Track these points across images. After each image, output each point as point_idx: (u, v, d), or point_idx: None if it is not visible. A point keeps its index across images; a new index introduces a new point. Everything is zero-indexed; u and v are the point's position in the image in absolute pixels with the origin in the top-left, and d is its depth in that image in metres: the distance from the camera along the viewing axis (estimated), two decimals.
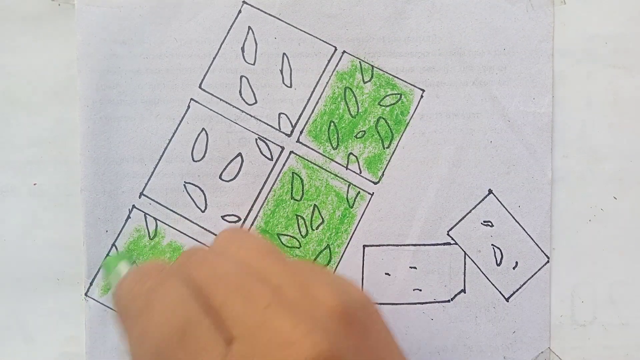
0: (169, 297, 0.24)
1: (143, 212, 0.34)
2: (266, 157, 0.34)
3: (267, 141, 0.34)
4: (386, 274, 0.34)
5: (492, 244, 0.35)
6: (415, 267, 0.35)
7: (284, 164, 0.34)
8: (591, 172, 0.34)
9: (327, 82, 0.34)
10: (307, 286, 0.25)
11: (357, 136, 0.34)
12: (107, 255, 0.34)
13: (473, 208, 0.34)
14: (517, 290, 0.34)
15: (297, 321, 0.23)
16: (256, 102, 0.34)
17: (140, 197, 0.34)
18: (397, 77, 0.34)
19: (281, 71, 0.34)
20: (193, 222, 0.34)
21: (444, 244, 0.35)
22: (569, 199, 0.34)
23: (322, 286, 0.25)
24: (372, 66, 0.34)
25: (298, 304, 0.24)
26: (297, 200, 0.34)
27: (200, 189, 0.34)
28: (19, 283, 0.35)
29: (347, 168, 0.35)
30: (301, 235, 0.34)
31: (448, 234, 0.35)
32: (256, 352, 0.22)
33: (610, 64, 0.34)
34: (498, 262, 0.35)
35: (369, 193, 0.34)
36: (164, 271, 0.26)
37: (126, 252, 0.34)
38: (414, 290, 0.35)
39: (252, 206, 0.34)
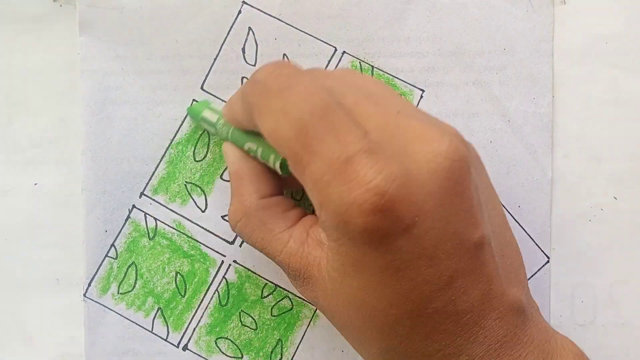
0: (306, 84, 0.25)
1: (143, 211, 0.34)
2: None
3: None
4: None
5: None
6: None
7: None
8: (591, 172, 0.34)
9: None
10: (426, 113, 0.27)
11: None
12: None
13: None
14: None
15: (430, 124, 0.25)
16: None
17: (140, 197, 0.34)
18: (397, 78, 0.34)
19: None
20: (193, 222, 0.34)
21: None
22: (569, 199, 0.34)
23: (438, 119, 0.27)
24: (372, 66, 0.34)
25: (424, 118, 0.26)
26: (297, 200, 0.34)
27: (200, 188, 0.34)
28: (18, 283, 0.35)
29: None
30: None
31: None
32: (394, 140, 0.24)
33: (610, 64, 0.34)
34: None
35: None
36: (298, 68, 0.27)
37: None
38: None
39: None
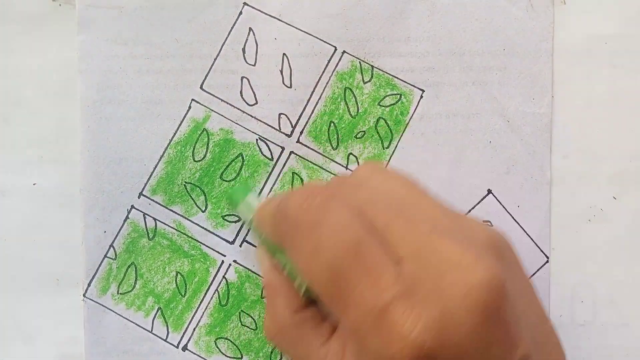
0: (337, 215, 0.25)
1: (142, 212, 0.34)
2: (267, 157, 0.34)
3: (267, 141, 0.34)
4: None
5: None
6: None
7: (284, 164, 0.34)
8: (591, 172, 0.34)
9: (327, 83, 0.34)
10: (457, 217, 0.26)
11: (357, 136, 0.34)
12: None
13: (472, 208, 0.34)
14: None
15: (463, 247, 0.24)
16: (257, 103, 0.34)
17: (139, 197, 0.34)
18: (397, 78, 0.34)
19: (281, 72, 0.34)
20: (193, 222, 0.34)
21: None
22: (568, 199, 0.34)
23: (470, 220, 0.26)
24: (372, 66, 0.34)
25: (456, 233, 0.25)
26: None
27: (200, 189, 0.34)
28: (18, 283, 0.35)
29: (347, 168, 0.35)
30: None
31: None
32: (428, 272, 0.23)
33: (610, 64, 0.34)
34: None
35: None
36: (327, 191, 0.26)
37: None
38: None
39: None
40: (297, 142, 0.34)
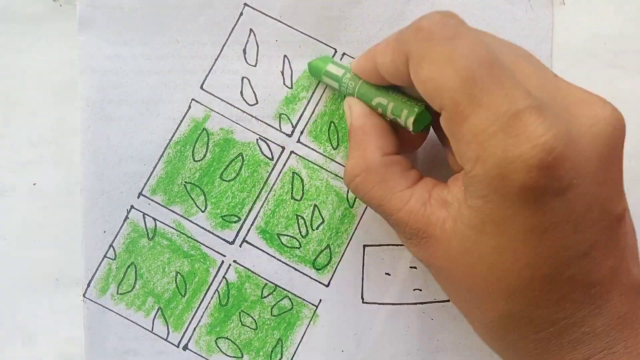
0: (473, 36, 0.25)
1: (141, 212, 0.34)
2: (267, 157, 0.34)
3: (267, 141, 0.34)
4: (386, 274, 0.34)
5: None
6: (415, 267, 0.35)
7: (284, 164, 0.34)
8: None
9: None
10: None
11: None
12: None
13: None
14: None
15: (588, 91, 0.26)
16: (257, 103, 0.34)
17: (139, 197, 0.34)
18: None
19: (282, 72, 0.34)
20: (193, 222, 0.34)
21: None
22: None
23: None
24: None
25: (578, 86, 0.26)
26: (297, 200, 0.34)
27: (200, 188, 0.34)
28: (18, 283, 0.34)
29: None
30: (301, 235, 0.34)
31: None
32: (556, 103, 0.24)
33: (610, 64, 0.34)
34: None
35: None
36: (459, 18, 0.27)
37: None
38: (414, 290, 0.35)
39: (253, 206, 0.34)
40: (297, 142, 0.34)
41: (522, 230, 0.24)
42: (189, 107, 0.34)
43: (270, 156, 0.34)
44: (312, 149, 0.34)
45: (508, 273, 0.25)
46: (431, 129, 0.31)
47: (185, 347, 0.34)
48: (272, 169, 0.34)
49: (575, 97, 0.25)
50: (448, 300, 0.34)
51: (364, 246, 0.34)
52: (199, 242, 0.34)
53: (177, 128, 0.34)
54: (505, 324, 0.26)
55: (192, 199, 0.34)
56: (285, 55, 0.34)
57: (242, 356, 0.34)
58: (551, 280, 0.24)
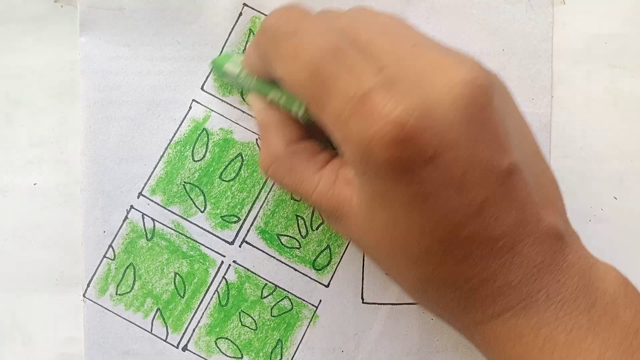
0: (315, 26, 0.26)
1: (141, 212, 0.34)
2: None
3: None
4: (386, 274, 0.34)
5: None
6: None
7: None
8: (591, 172, 0.34)
9: None
10: (443, 46, 0.26)
11: None
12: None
13: None
14: None
15: (447, 55, 0.25)
16: None
17: (138, 197, 0.34)
18: None
19: None
20: (192, 223, 0.34)
21: None
22: (569, 199, 0.33)
23: (459, 51, 0.26)
24: None
25: (441, 49, 0.26)
26: (297, 200, 0.34)
27: (199, 188, 0.34)
28: (18, 283, 0.35)
29: None
30: (301, 235, 0.34)
31: None
32: (412, 74, 0.24)
33: (610, 64, 0.34)
34: None
35: None
36: (306, 11, 0.27)
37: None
38: None
39: (252, 206, 0.34)
40: None
41: (405, 201, 0.24)
42: (190, 107, 0.34)
43: None
44: None
45: (407, 240, 0.25)
46: None
47: (184, 348, 0.34)
48: None
49: (431, 65, 0.24)
50: None
51: None
52: (198, 242, 0.34)
53: (178, 128, 0.34)
54: (424, 286, 0.27)
55: (191, 199, 0.34)
56: None
57: (242, 357, 0.34)
58: (450, 242, 0.25)
